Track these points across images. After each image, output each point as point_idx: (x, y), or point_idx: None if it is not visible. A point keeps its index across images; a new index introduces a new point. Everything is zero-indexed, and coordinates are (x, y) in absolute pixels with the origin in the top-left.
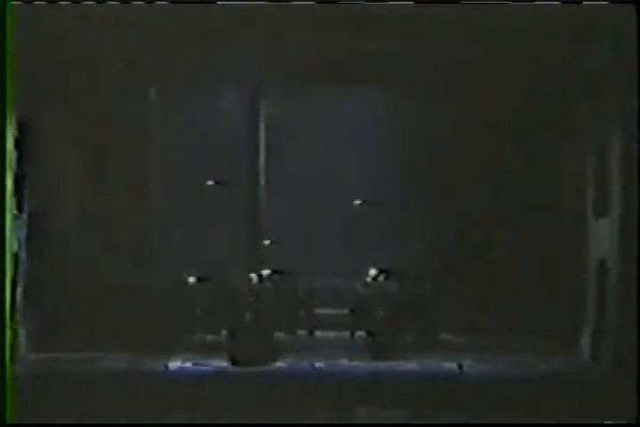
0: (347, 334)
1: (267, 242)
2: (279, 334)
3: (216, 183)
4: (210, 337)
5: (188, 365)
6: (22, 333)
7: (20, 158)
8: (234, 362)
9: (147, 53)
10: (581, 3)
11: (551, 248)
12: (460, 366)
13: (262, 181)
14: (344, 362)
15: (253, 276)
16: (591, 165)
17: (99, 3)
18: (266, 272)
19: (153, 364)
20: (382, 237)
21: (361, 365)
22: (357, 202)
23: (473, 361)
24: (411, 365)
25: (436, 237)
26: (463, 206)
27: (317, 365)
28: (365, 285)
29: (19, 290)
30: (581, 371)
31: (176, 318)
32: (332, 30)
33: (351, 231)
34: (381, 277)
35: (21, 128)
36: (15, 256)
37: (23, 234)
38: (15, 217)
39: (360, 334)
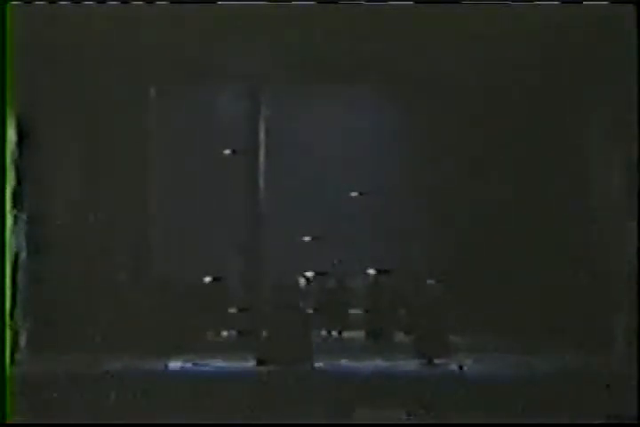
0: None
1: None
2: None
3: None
4: (215, 337)
5: (189, 365)
6: (22, 333)
7: (20, 158)
8: (260, 362)
9: (147, 53)
10: (581, 3)
11: (579, 249)
12: (461, 367)
13: (262, 180)
14: (344, 362)
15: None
16: (617, 165)
17: (99, 3)
18: (310, 273)
19: (153, 364)
20: (382, 237)
21: (361, 365)
22: (354, 193)
23: (474, 361)
24: (411, 365)
25: (450, 237)
26: (476, 207)
27: (317, 365)
28: (369, 283)
29: (19, 290)
30: (614, 371)
31: (182, 318)
32: (332, 30)
33: (352, 231)
34: (382, 277)
35: (21, 128)
36: (15, 256)
37: (23, 234)
38: (15, 217)
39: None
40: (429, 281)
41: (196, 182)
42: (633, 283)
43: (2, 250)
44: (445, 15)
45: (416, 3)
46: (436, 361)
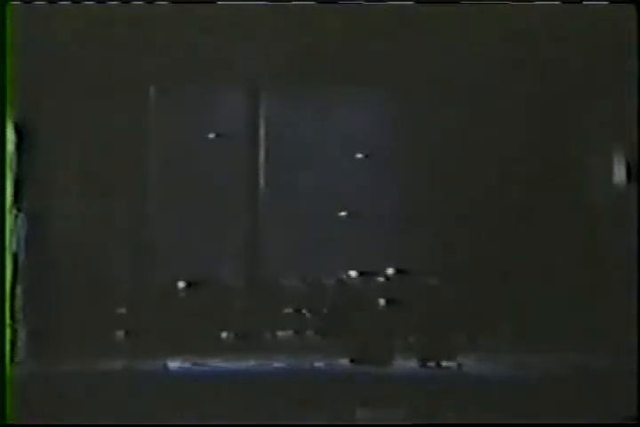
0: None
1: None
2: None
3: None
4: (221, 337)
5: (188, 365)
6: (22, 332)
7: (20, 158)
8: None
9: (147, 53)
10: (581, 3)
11: (586, 248)
12: (460, 366)
13: (262, 181)
14: (344, 362)
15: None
16: (616, 165)
17: (99, 3)
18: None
19: (153, 364)
20: (378, 237)
21: (360, 365)
22: (343, 214)
23: (474, 361)
24: (410, 365)
25: (451, 236)
26: (479, 208)
27: (317, 365)
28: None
29: (18, 290)
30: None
31: (177, 321)
32: (333, 30)
33: (352, 232)
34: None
35: (21, 128)
36: (15, 256)
37: (23, 234)
38: (15, 217)
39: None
40: (432, 281)
41: (194, 183)
42: (633, 280)
43: (2, 250)
44: (445, 15)
45: (416, 3)
46: (439, 364)
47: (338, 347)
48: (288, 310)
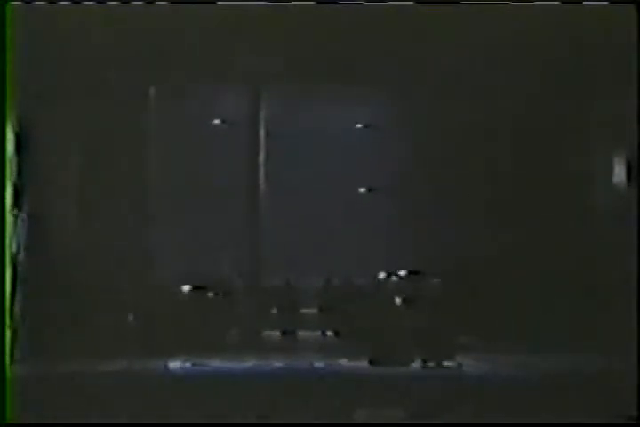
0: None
1: None
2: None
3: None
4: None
5: (188, 365)
6: (22, 333)
7: (20, 158)
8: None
9: (147, 53)
10: (581, 3)
11: (584, 248)
12: (460, 366)
13: (262, 181)
14: (344, 362)
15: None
16: (617, 166)
17: (99, 3)
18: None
19: (153, 364)
20: (377, 236)
21: (360, 365)
22: (362, 190)
23: (474, 361)
24: (411, 365)
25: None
26: (476, 209)
27: (317, 365)
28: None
29: (18, 290)
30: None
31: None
32: (332, 30)
33: (353, 231)
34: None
35: (21, 128)
36: (14, 257)
37: (23, 234)
38: (15, 217)
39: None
40: (432, 281)
41: (194, 183)
42: (633, 280)
43: (2, 250)
44: (445, 15)
45: (416, 3)
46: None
47: (352, 348)
48: (291, 311)
